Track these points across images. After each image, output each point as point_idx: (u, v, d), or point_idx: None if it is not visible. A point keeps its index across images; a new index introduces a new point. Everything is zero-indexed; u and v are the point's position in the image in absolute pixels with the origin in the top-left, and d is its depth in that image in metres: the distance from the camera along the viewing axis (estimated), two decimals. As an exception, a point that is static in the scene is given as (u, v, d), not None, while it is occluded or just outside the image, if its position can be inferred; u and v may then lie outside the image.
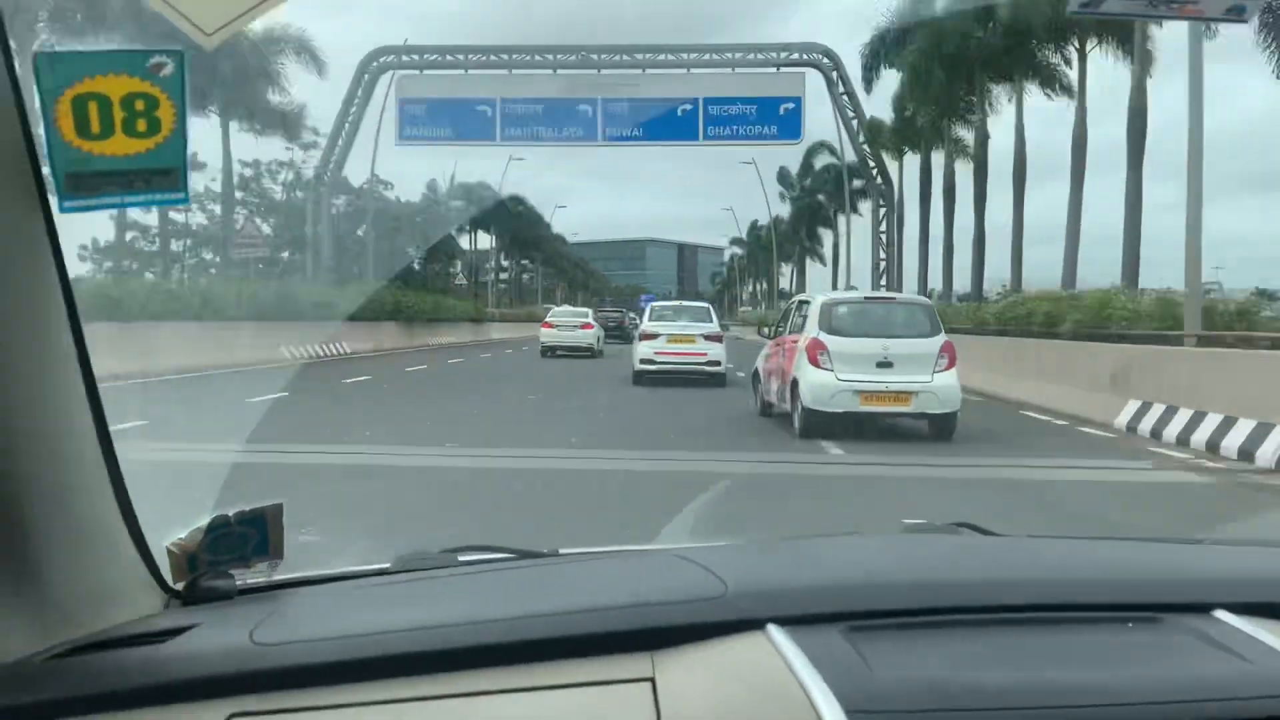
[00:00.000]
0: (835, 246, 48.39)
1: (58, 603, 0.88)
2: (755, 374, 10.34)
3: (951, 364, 8.24)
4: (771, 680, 0.82)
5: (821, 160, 46.73)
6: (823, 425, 8.16)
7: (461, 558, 1.19)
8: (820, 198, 51.03)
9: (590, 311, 23.15)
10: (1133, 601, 0.95)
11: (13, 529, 0.84)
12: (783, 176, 54.72)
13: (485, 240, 57.47)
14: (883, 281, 30.06)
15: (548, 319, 21.67)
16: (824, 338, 8.24)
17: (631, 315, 42.44)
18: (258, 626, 0.90)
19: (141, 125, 0.82)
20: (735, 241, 75.39)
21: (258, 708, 0.82)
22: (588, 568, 1.19)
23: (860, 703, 0.77)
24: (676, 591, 0.97)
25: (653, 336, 14.00)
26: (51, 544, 0.88)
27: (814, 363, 8.18)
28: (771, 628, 0.88)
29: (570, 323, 21.66)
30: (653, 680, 0.84)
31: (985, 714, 0.78)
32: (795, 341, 8.72)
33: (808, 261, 59.35)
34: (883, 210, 31.60)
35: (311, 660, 0.86)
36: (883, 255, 31.70)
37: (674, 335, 13.89)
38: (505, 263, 64.58)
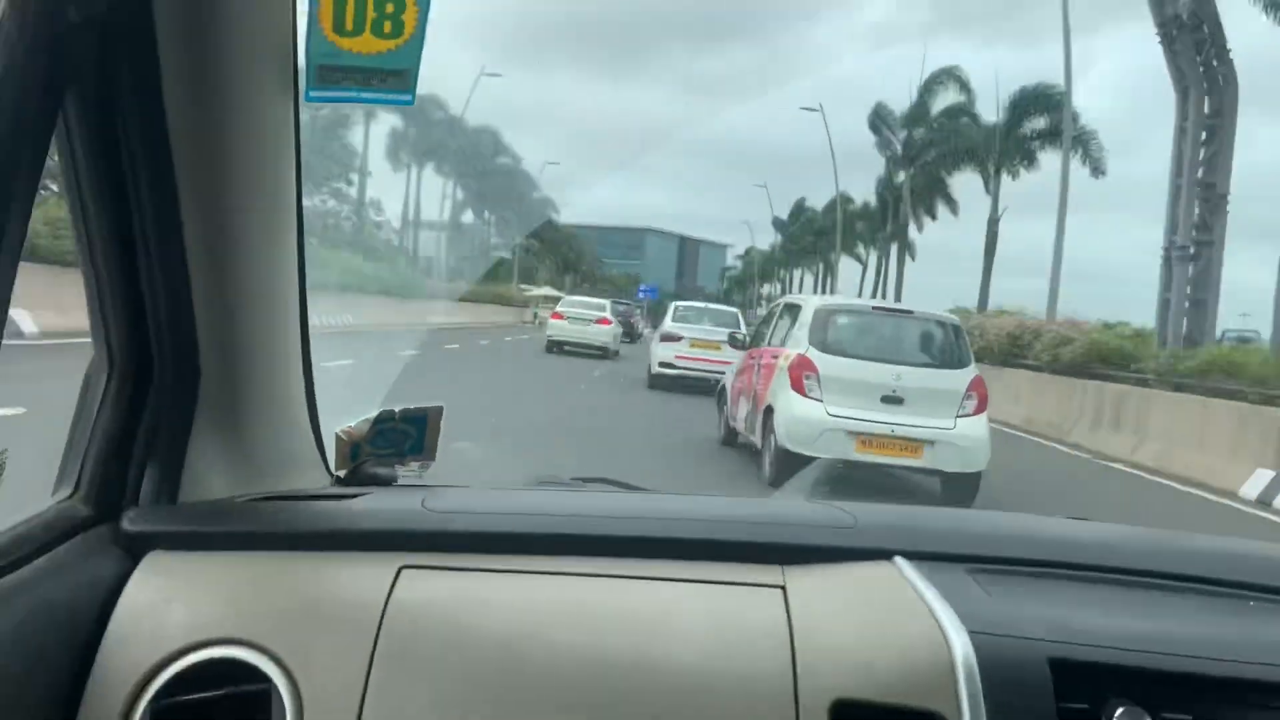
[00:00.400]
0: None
1: (253, 461, 1.07)
2: (721, 391, 8.67)
3: (982, 407, 6.53)
4: (899, 599, 0.92)
5: (946, 99, 31.21)
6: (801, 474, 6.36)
7: (590, 486, 1.32)
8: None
9: (609, 304, 20.25)
10: (1252, 581, 1.02)
11: (229, 392, 1.02)
12: (879, 119, 35.30)
13: (435, 186, 49.29)
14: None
15: (558, 309, 19.04)
16: (814, 356, 6.57)
17: (638, 310, 41.42)
18: (425, 497, 1.04)
19: (388, 27, 0.90)
20: (776, 224, 65.94)
21: (427, 563, 0.94)
22: (719, 499, 1.27)
23: (982, 625, 0.86)
24: (808, 519, 1.10)
25: (675, 339, 13.17)
26: (255, 410, 1.06)
27: (797, 388, 6.50)
28: (899, 559, 0.98)
29: (584, 315, 18.73)
30: (784, 588, 0.94)
31: (1098, 649, 0.86)
32: (776, 356, 7.02)
33: (893, 256, 39.10)
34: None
35: (477, 528, 1.00)
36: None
37: (697, 340, 12.98)
38: (469, 219, 52.46)
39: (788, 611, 0.92)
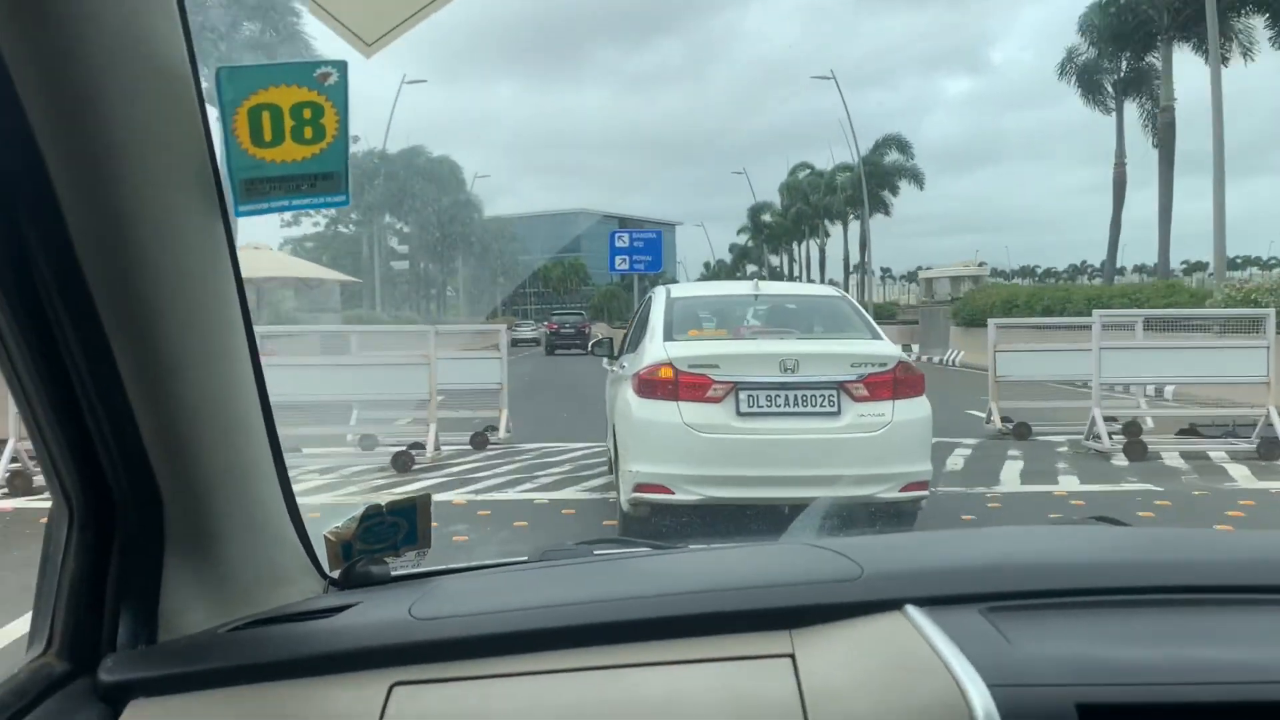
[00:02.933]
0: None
1: (233, 583, 1.19)
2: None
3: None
4: (912, 655, 1.01)
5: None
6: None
7: (597, 551, 1.55)
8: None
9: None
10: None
11: (197, 517, 1.14)
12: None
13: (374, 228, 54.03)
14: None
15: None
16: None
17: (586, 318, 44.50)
18: (414, 603, 1.18)
19: (308, 132, 1.06)
20: (754, 212, 70.59)
21: (419, 676, 1.07)
22: (721, 555, 1.48)
23: (1002, 676, 0.95)
24: (813, 574, 1.21)
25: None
26: (229, 531, 1.18)
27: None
28: (910, 608, 1.09)
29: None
30: (792, 656, 1.06)
31: (1129, 689, 0.94)
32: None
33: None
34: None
35: (468, 633, 1.12)
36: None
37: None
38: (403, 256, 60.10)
39: (798, 682, 1.03)
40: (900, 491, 6.28)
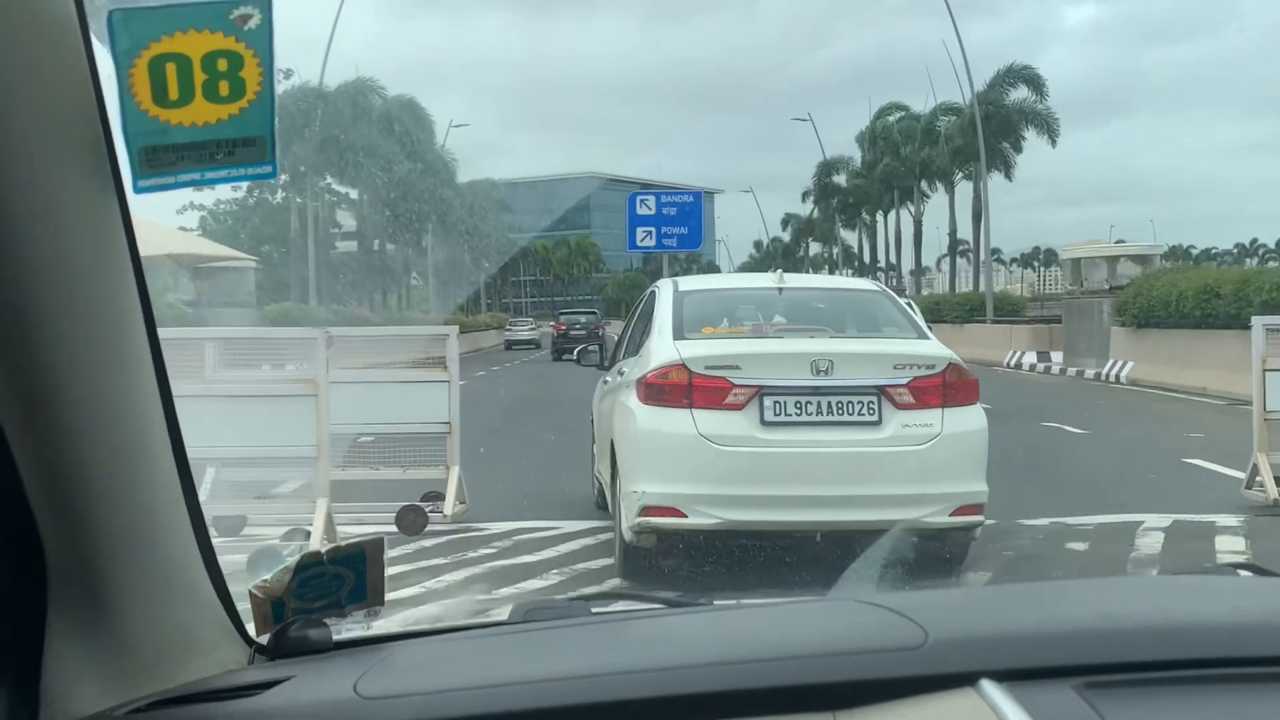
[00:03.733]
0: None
1: (136, 653, 1.22)
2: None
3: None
4: None
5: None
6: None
7: (595, 608, 1.59)
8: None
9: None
10: None
11: (87, 571, 1.16)
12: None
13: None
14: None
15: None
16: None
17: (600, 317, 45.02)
18: (361, 678, 1.20)
19: (224, 88, 1.09)
20: (823, 170, 67.08)
21: None
22: (750, 616, 1.50)
23: None
24: (864, 641, 1.24)
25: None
26: (128, 587, 1.21)
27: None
28: (985, 683, 1.12)
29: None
30: None
31: None
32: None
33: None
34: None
35: (429, 716, 1.16)
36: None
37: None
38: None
39: None
40: (951, 516, 6.50)
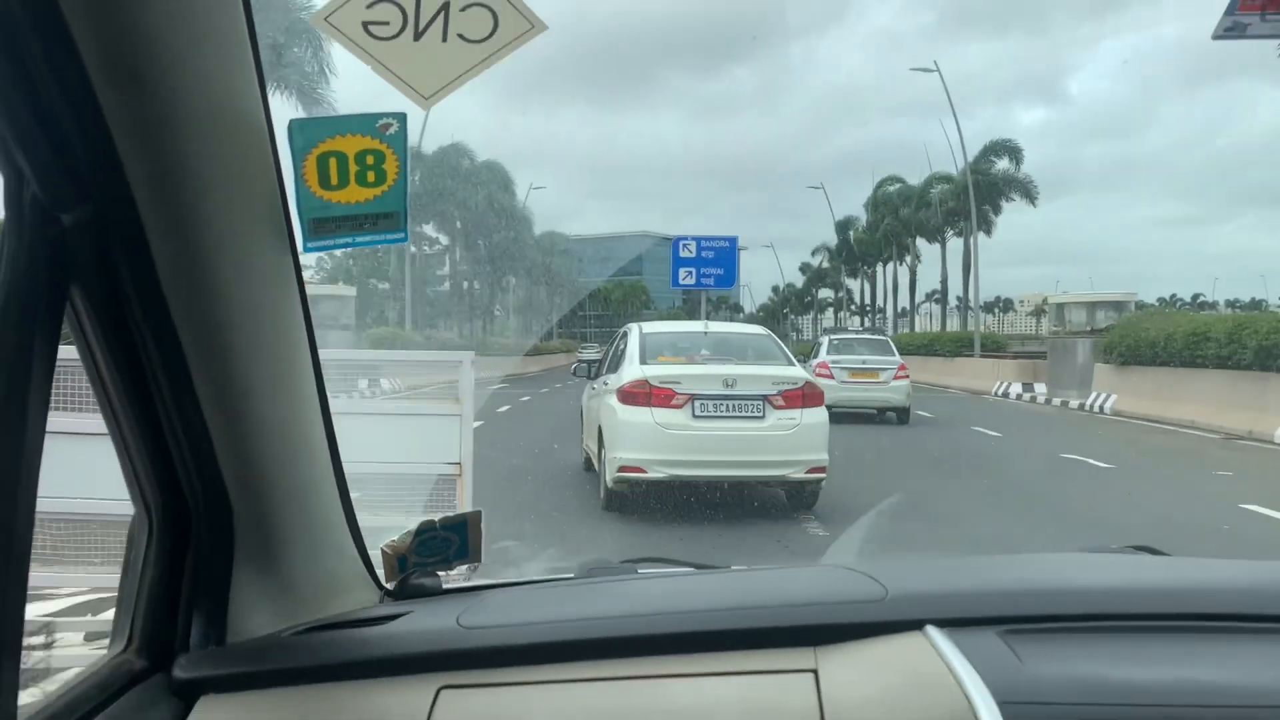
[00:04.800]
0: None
1: (296, 590, 1.31)
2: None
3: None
4: (928, 674, 1.10)
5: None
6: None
7: (641, 569, 1.67)
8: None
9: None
10: None
11: (264, 529, 1.25)
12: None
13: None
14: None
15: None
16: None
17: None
18: (462, 613, 1.30)
19: (371, 177, 1.17)
20: (841, 227, 64.65)
21: (465, 681, 1.18)
22: (757, 576, 1.63)
23: (1011, 694, 1.02)
24: (840, 594, 1.31)
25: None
26: (293, 542, 1.29)
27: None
28: (930, 628, 1.18)
29: None
30: (815, 672, 1.15)
31: (1138, 709, 1.00)
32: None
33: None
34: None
35: (511, 642, 1.24)
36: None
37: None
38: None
39: (819, 697, 1.12)
40: (806, 474, 8.60)
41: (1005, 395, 28.57)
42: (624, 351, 9.31)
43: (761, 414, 8.55)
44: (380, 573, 1.42)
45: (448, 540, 1.43)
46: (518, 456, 11.69)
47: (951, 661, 1.10)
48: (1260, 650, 1.12)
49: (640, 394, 8.49)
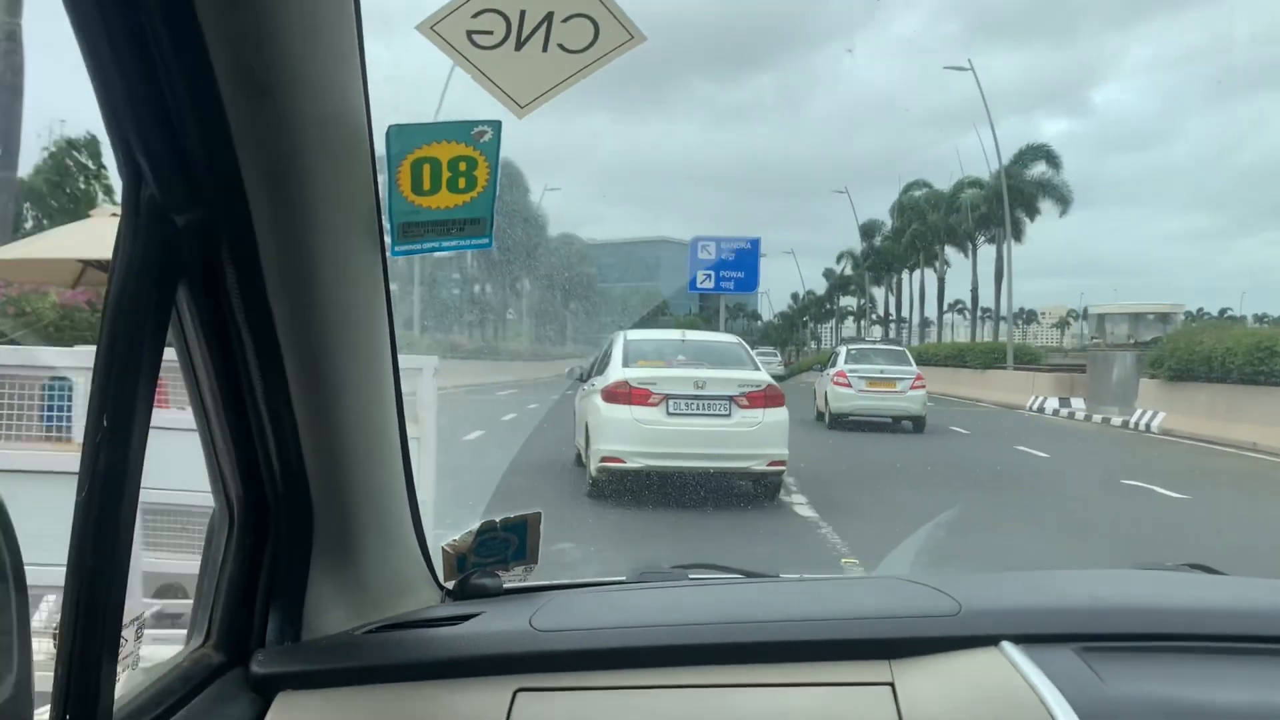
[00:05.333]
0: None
1: (367, 589, 1.33)
2: None
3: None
4: (1008, 691, 1.09)
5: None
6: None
7: (692, 575, 1.65)
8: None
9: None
10: None
11: (341, 528, 1.27)
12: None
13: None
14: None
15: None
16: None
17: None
18: (534, 615, 1.31)
19: (462, 183, 1.17)
20: (865, 231, 62.74)
21: (541, 684, 1.19)
22: (819, 586, 1.60)
23: (1095, 713, 1.02)
24: (913, 608, 1.30)
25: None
26: (367, 542, 1.32)
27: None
28: (1006, 644, 1.18)
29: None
30: (892, 685, 1.15)
31: None
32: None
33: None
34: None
35: (587, 646, 1.25)
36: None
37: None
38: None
39: (898, 710, 1.12)
40: (767, 466, 9.54)
41: (1040, 410, 27.01)
42: (610, 356, 10.32)
43: (728, 413, 9.52)
44: (439, 572, 1.45)
45: (507, 541, 1.46)
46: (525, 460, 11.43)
47: (1031, 678, 1.10)
48: None
49: (621, 394, 9.48)
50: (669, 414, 9.43)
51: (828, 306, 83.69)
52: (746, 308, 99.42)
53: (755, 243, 23.95)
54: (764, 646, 1.21)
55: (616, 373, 9.74)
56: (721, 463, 9.52)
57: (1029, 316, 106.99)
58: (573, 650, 1.23)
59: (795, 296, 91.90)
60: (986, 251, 48.02)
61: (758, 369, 10.26)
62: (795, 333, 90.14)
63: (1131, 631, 1.19)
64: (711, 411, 9.48)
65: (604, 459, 9.36)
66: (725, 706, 1.15)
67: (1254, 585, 1.45)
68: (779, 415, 9.62)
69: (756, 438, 9.43)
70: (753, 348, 12.99)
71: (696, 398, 9.51)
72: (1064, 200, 42.89)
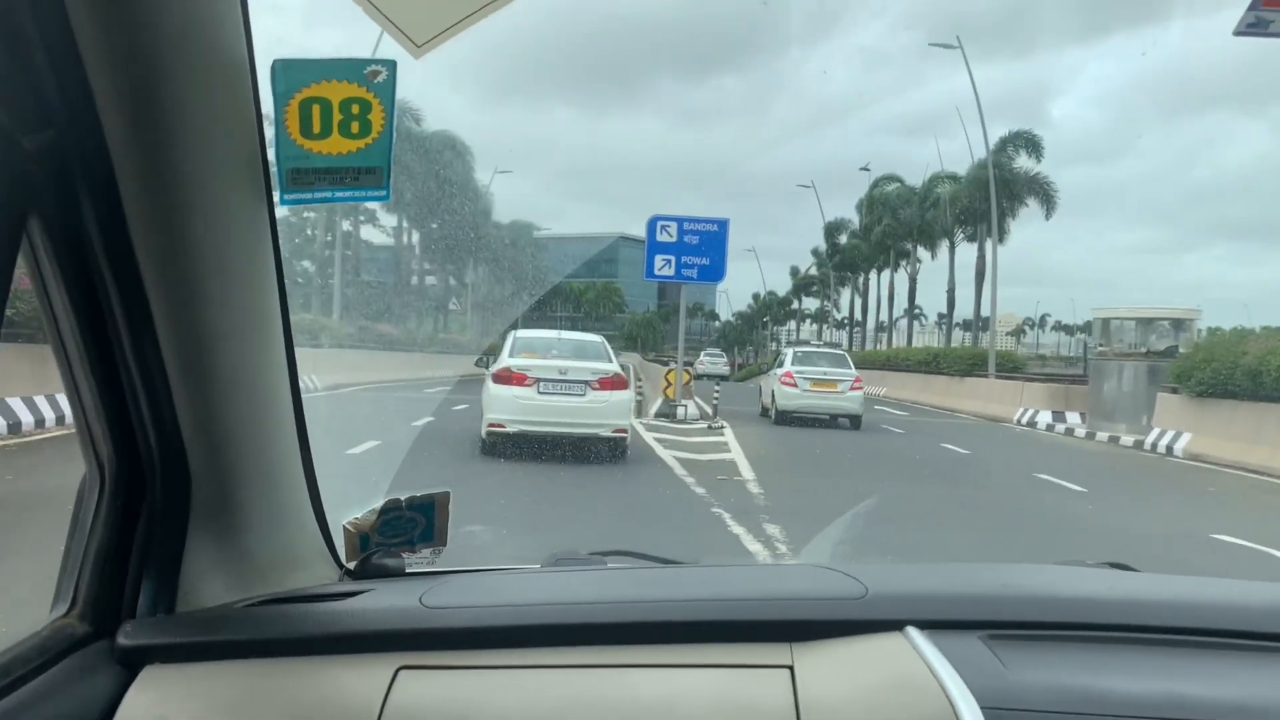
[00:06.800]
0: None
1: (253, 563, 1.24)
2: None
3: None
4: (909, 676, 1.07)
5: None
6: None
7: (611, 563, 1.57)
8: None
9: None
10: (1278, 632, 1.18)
11: (223, 496, 1.19)
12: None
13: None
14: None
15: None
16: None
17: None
18: (425, 593, 1.23)
19: (355, 127, 1.10)
20: (830, 230, 59.31)
21: (424, 662, 1.13)
22: (731, 571, 1.49)
23: (996, 700, 1.01)
24: (818, 591, 1.27)
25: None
26: (252, 511, 1.23)
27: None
28: (911, 630, 1.15)
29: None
30: (791, 668, 1.11)
31: None
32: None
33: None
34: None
35: (476, 624, 1.18)
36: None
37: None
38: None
39: (795, 693, 1.08)
40: (612, 432, 12.47)
41: (1032, 425, 24.10)
42: (502, 348, 13.23)
43: (583, 393, 12.33)
44: (341, 550, 1.38)
45: (413, 521, 1.40)
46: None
47: (933, 663, 1.08)
48: (1240, 667, 1.13)
49: (505, 377, 12.31)
50: (540, 393, 12.32)
51: (792, 306, 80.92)
52: (704, 308, 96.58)
53: (723, 225, 20.58)
54: (660, 626, 1.18)
55: (504, 361, 12.73)
56: (577, 429, 12.38)
57: (985, 324, 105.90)
58: (461, 628, 1.18)
59: (756, 297, 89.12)
60: (960, 253, 45.19)
61: (611, 362, 13.29)
62: (755, 333, 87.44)
63: (1039, 620, 1.18)
64: (571, 392, 12.38)
65: (490, 425, 12.26)
66: (618, 687, 1.12)
67: (1167, 581, 1.47)
68: (623, 396, 12.80)
69: (604, 412, 12.41)
70: (705, 349, 18.03)
71: (561, 381, 12.41)
72: (1049, 197, 39.33)
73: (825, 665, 1.10)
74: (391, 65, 1.09)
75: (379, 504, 1.34)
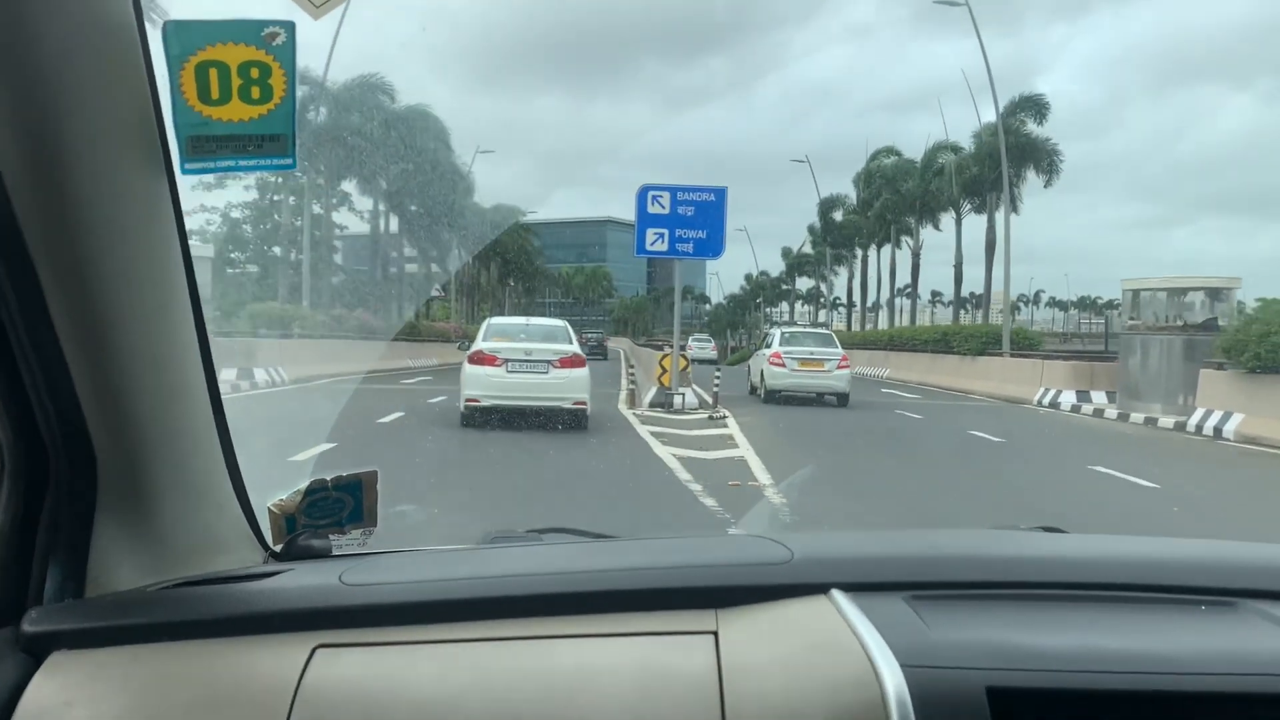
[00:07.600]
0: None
1: (169, 546, 1.21)
2: None
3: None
4: (831, 637, 1.08)
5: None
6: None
7: (547, 539, 1.60)
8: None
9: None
10: (1204, 585, 1.19)
11: (131, 478, 1.15)
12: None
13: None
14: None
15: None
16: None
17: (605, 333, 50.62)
18: (345, 571, 1.21)
19: (256, 92, 1.06)
20: (824, 207, 57.65)
21: (342, 640, 1.10)
22: (661, 543, 1.51)
23: (916, 658, 1.01)
24: (744, 558, 1.28)
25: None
26: (164, 493, 1.19)
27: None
28: (836, 592, 1.16)
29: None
30: (715, 634, 1.11)
31: (1039, 674, 1.00)
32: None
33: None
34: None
35: (394, 599, 1.16)
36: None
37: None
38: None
39: (719, 659, 1.08)
40: (573, 404, 14.38)
41: (1055, 406, 22.36)
42: (479, 335, 15.56)
43: (546, 371, 14.40)
44: (267, 533, 1.36)
45: (340, 501, 1.38)
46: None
47: (856, 625, 1.09)
48: (1156, 619, 1.14)
49: (478, 358, 14.45)
50: (509, 371, 14.26)
51: (784, 287, 79.04)
52: (694, 291, 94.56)
53: (721, 193, 18.65)
54: (585, 597, 1.17)
55: (478, 344, 14.83)
56: (542, 402, 14.27)
57: (979, 301, 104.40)
58: (379, 604, 1.16)
59: (749, 278, 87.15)
60: (956, 228, 43.28)
61: (571, 343, 15.20)
62: (747, 315, 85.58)
63: (963, 580, 1.21)
64: (536, 370, 14.29)
65: (467, 400, 14.19)
66: (538, 657, 1.11)
67: (1094, 540, 1.46)
68: (581, 373, 14.54)
69: (564, 387, 14.34)
70: (692, 334, 17.04)
71: (527, 361, 14.30)
72: (1053, 166, 37.35)
73: (749, 630, 1.11)
74: (290, 27, 1.06)
75: (303, 485, 1.33)
